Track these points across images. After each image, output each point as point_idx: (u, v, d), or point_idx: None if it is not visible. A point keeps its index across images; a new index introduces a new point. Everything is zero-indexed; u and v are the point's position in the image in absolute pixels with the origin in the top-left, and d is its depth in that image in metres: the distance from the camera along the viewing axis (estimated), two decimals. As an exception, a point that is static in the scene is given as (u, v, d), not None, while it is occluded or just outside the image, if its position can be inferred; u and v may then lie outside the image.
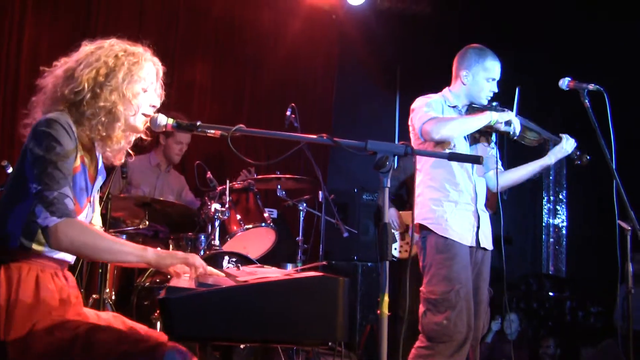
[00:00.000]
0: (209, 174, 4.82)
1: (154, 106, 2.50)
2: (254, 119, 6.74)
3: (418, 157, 4.00)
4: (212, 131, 2.41)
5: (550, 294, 7.15)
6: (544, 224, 8.47)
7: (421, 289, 3.75)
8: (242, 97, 6.89)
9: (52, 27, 5.67)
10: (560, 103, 6.83)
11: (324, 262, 3.03)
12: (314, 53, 7.31)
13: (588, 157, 3.97)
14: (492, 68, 3.87)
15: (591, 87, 3.57)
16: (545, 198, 8.49)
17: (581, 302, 6.99)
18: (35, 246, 2.26)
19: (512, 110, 3.81)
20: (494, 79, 3.88)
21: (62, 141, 2.21)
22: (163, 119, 2.44)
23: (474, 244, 3.81)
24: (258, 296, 1.88)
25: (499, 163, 4.02)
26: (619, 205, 3.48)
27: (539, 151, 4.02)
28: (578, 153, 3.96)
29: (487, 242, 3.90)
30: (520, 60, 7.03)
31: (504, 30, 6.87)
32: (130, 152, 2.59)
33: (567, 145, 3.89)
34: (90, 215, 2.48)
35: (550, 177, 8.46)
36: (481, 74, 3.87)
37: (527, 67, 6.79)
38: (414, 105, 3.88)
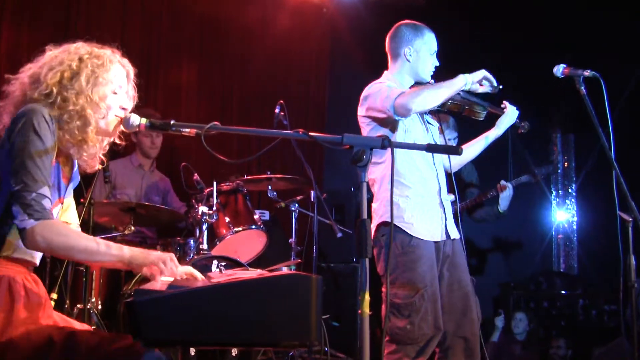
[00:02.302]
0: (195, 176, 4.85)
1: (124, 108, 2.54)
2: (244, 118, 6.76)
3: (379, 150, 3.90)
4: (187, 130, 2.43)
5: (562, 292, 7.13)
6: (553, 220, 8.47)
7: (383, 289, 3.58)
8: (231, 96, 6.92)
9: (31, 27, 5.69)
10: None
11: (299, 260, 3.05)
12: (304, 49, 7.32)
13: (528, 124, 4.07)
14: (431, 40, 3.89)
15: (587, 73, 3.57)
16: (554, 192, 8.50)
17: (594, 301, 6.97)
18: (4, 251, 2.32)
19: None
20: (435, 52, 3.90)
21: (43, 135, 2.27)
22: (136, 119, 2.47)
23: (443, 238, 3.77)
24: (228, 297, 1.91)
25: (453, 143, 4.04)
26: (619, 197, 3.48)
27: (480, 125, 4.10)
28: (520, 122, 4.05)
29: (454, 232, 3.85)
30: (517, 51, 7.07)
31: (500, 22, 6.90)
32: (103, 158, 2.62)
33: (512, 114, 3.99)
34: (59, 216, 2.51)
35: (559, 171, 8.45)
36: (424, 48, 3.86)
37: (521, 58, 6.83)
38: (367, 92, 3.84)
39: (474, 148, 4.09)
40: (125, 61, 2.59)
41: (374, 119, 3.79)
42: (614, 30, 6.71)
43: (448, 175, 3.97)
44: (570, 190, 8.41)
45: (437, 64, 3.93)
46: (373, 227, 3.76)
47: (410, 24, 3.95)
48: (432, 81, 3.91)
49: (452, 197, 4.02)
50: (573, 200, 8.41)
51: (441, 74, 3.94)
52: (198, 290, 1.92)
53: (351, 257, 6.22)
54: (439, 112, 4.02)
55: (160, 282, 2.25)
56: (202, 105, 6.64)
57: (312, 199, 5.24)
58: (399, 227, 3.66)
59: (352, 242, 6.03)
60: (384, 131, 3.74)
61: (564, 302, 7.01)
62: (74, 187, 2.61)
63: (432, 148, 2.38)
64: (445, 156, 4.00)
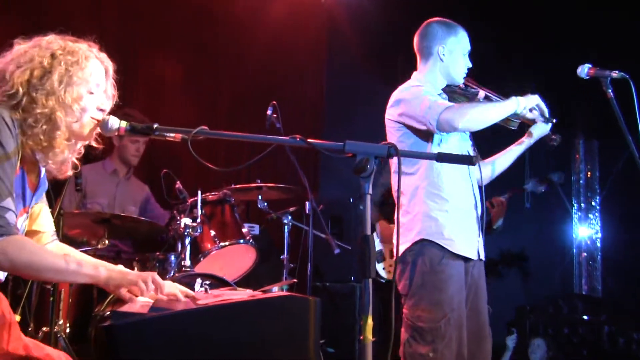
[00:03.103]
0: (178, 184, 4.84)
1: (102, 110, 2.55)
2: (235, 121, 6.78)
3: (410, 161, 3.95)
4: (172, 134, 2.45)
5: (584, 317, 7.13)
6: (574, 236, 8.49)
7: (404, 311, 3.69)
8: (220, 96, 6.94)
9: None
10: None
11: (294, 280, 3.06)
12: (300, 43, 7.34)
13: (560, 137, 4.05)
14: (465, 40, 3.94)
15: (615, 74, 3.60)
16: (576, 206, 8.52)
17: (621, 327, 6.96)
18: None
19: None
20: (469, 53, 3.95)
21: (5, 144, 2.26)
22: (115, 122, 2.48)
23: (475, 257, 3.81)
24: (217, 320, 1.92)
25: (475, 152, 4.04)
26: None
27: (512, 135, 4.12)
28: (552, 134, 4.03)
29: (482, 252, 3.90)
30: (537, 50, 7.12)
31: (520, 20, 6.94)
32: (77, 162, 2.63)
33: (546, 124, 3.97)
34: (25, 227, 2.52)
35: (581, 182, 8.48)
36: (457, 48, 3.91)
37: (542, 57, 6.87)
38: (402, 95, 3.84)
39: (504, 159, 4.11)
40: (104, 56, 2.60)
41: (408, 126, 3.81)
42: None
43: (480, 188, 3.99)
44: (593, 202, 8.44)
45: (470, 65, 3.96)
46: (404, 243, 3.77)
47: (442, 21, 3.98)
48: (462, 84, 3.96)
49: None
50: (597, 214, 8.43)
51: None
52: (184, 313, 1.93)
53: (349, 276, 6.25)
54: None
55: (140, 304, 2.26)
56: (187, 105, 6.65)
57: (307, 211, 5.25)
58: (436, 244, 3.69)
59: (351, 258, 6.06)
60: (415, 139, 3.78)
61: (587, 329, 7.00)
62: (42, 193, 2.61)
63: (442, 158, 2.39)
64: (476, 168, 3.97)
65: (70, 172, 2.61)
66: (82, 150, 2.64)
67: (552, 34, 7.16)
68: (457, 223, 3.75)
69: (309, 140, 2.34)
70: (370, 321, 2.20)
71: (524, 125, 4.03)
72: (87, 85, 2.49)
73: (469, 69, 3.98)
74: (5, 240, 2.19)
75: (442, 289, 3.64)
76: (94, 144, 2.62)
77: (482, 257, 3.87)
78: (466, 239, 3.76)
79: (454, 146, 3.83)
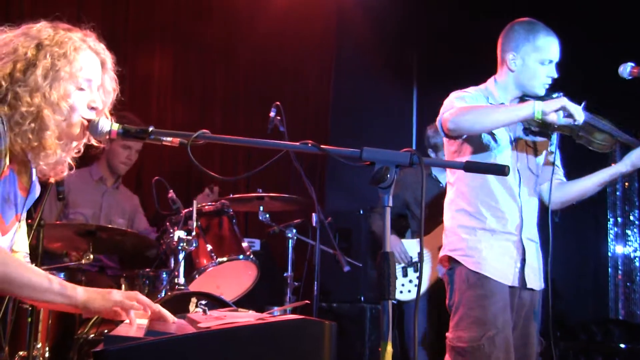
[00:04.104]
0: (171, 193, 4.85)
1: (94, 108, 2.53)
2: (229, 123, 6.81)
3: (450, 170, 4.07)
4: (169, 139, 2.46)
5: (621, 345, 7.12)
6: (609, 254, 8.48)
7: (447, 334, 3.82)
8: (213, 96, 6.97)
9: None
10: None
11: (307, 301, 3.06)
12: (304, 37, 7.37)
13: None
14: (546, 46, 3.87)
15: (662, 74, 3.63)
16: (612, 220, 8.51)
17: (663, 356, 6.97)
18: None
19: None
20: (550, 61, 3.88)
21: None
22: (106, 124, 2.48)
23: (516, 284, 3.85)
24: (222, 346, 1.93)
25: (561, 172, 4.07)
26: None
27: (604, 157, 4.07)
28: None
29: (535, 281, 3.93)
30: (573, 47, 7.11)
31: (555, 15, 6.94)
32: (72, 163, 2.62)
33: None
34: (14, 238, 2.52)
35: (617, 193, 8.47)
36: (533, 56, 3.87)
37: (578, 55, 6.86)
38: (445, 102, 3.91)
39: (584, 184, 4.04)
40: (101, 47, 2.59)
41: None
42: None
43: (546, 210, 4.03)
44: (631, 217, 8.43)
45: (555, 75, 3.91)
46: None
47: (525, 22, 3.96)
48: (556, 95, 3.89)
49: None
50: (635, 229, 8.42)
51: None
52: (185, 337, 1.94)
53: (358, 296, 6.24)
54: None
55: (134, 326, 2.27)
56: (177, 105, 6.68)
57: (314, 224, 5.26)
58: (464, 262, 3.82)
59: (360, 277, 6.06)
60: (473, 150, 3.87)
61: (624, 358, 7.00)
62: (34, 199, 2.60)
63: (470, 167, 2.41)
64: (545, 186, 4.03)
65: (65, 172, 2.60)
66: (82, 149, 2.62)
67: (588, 28, 7.16)
68: (488, 244, 3.84)
69: (322, 146, 2.34)
70: (389, 348, 2.21)
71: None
72: (76, 80, 2.46)
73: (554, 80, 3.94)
74: None
75: (483, 306, 3.74)
76: (94, 142, 2.60)
77: (532, 286, 3.90)
78: (498, 263, 3.82)
79: (506, 157, 3.90)
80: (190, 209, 4.63)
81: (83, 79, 2.49)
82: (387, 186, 2.27)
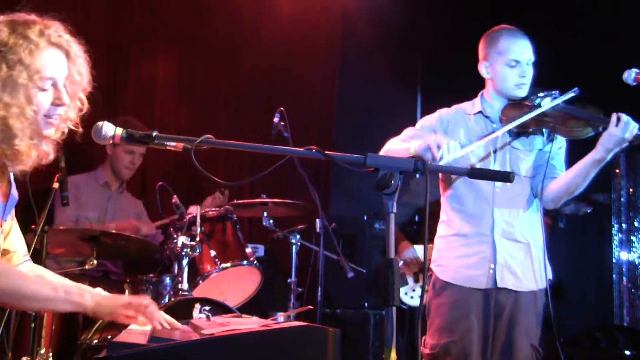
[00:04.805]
0: (175, 199, 4.85)
1: (60, 104, 2.48)
2: (233, 128, 6.80)
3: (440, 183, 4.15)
4: (173, 143, 2.45)
5: (626, 352, 7.09)
6: (614, 261, 8.45)
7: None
8: (217, 100, 6.96)
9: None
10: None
11: (310, 307, 3.05)
12: (309, 41, 7.35)
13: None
14: (507, 48, 3.94)
15: (667, 81, 3.62)
16: (616, 226, 8.49)
17: (669, 363, 6.94)
18: None
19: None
20: (517, 61, 3.93)
21: None
22: (109, 129, 2.45)
23: (489, 286, 3.89)
24: (225, 352, 1.92)
25: (559, 171, 4.03)
26: None
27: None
28: None
29: (514, 281, 3.91)
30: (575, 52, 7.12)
31: (552, 19, 6.95)
32: (59, 142, 2.56)
33: (618, 129, 3.67)
34: (1, 243, 2.51)
35: (622, 199, 8.45)
36: (499, 60, 3.96)
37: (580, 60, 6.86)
38: None
39: (565, 177, 3.96)
40: (63, 39, 2.49)
41: None
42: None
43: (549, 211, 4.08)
44: (636, 223, 8.41)
45: (527, 74, 3.95)
46: None
47: (491, 31, 4.07)
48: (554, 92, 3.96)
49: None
50: (640, 235, 8.41)
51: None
52: (189, 344, 1.94)
53: (362, 302, 6.23)
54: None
55: (137, 332, 2.27)
56: (181, 108, 6.67)
57: (318, 230, 5.25)
58: (434, 270, 3.99)
59: (364, 283, 6.05)
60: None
61: (629, 365, 6.98)
62: (13, 204, 2.57)
63: (475, 173, 2.40)
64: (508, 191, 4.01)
65: (51, 157, 2.53)
66: (65, 130, 2.56)
67: (594, 36, 7.16)
68: (453, 249, 3.98)
69: (327, 152, 2.34)
70: (393, 355, 2.20)
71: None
72: (37, 82, 2.39)
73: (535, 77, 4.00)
74: None
75: (442, 313, 3.88)
76: (72, 127, 2.56)
77: (508, 285, 3.90)
78: (471, 267, 3.90)
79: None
80: (194, 214, 4.64)
81: (44, 80, 2.42)
82: (392, 192, 2.26)
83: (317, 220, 5.29)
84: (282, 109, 4.97)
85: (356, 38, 7.58)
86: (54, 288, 2.29)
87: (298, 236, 5.43)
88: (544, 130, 3.99)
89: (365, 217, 6.48)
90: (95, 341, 4.23)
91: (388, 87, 7.80)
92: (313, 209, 5.19)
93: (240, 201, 5.27)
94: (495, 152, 3.99)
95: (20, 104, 2.34)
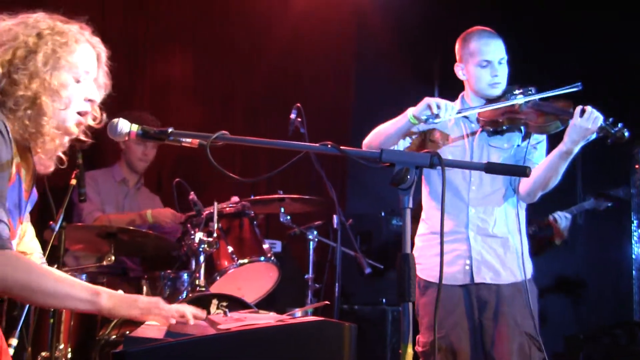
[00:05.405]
0: (192, 195, 4.86)
1: (91, 100, 2.52)
2: (249, 125, 6.80)
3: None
4: (188, 140, 2.45)
5: (646, 348, 7.06)
6: (633, 257, 8.40)
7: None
8: (233, 98, 6.95)
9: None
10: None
11: (326, 302, 3.06)
12: (325, 40, 7.32)
13: (625, 132, 3.78)
14: (477, 49, 4.05)
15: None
16: (635, 222, 8.44)
17: (690, 360, 6.89)
18: None
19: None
20: (487, 61, 4.02)
21: None
22: (125, 125, 2.46)
23: (467, 281, 3.97)
24: (242, 347, 1.93)
25: (535, 163, 4.02)
26: None
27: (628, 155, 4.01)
28: (608, 127, 3.77)
29: (492, 275, 3.99)
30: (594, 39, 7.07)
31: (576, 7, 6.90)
32: (63, 157, 2.58)
33: (582, 119, 3.72)
34: (16, 243, 2.50)
35: (641, 195, 8.39)
36: (470, 61, 4.08)
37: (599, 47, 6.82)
38: None
39: (537, 170, 3.96)
40: (96, 40, 2.57)
41: None
42: None
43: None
44: (656, 218, 8.35)
45: (499, 73, 4.03)
46: None
47: (464, 34, 4.18)
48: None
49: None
50: (659, 231, 8.34)
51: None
52: (205, 339, 1.94)
53: (379, 298, 6.22)
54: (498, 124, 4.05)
55: (154, 328, 2.27)
56: (197, 106, 6.66)
57: (335, 226, 5.26)
58: (417, 271, 3.95)
59: (381, 279, 6.04)
60: None
61: (650, 361, 6.94)
62: (32, 204, 2.57)
63: (491, 168, 2.39)
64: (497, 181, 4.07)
65: (52, 168, 2.56)
66: (67, 145, 2.55)
67: (605, 23, 7.11)
68: (431, 247, 4.04)
69: (342, 148, 2.33)
70: (410, 350, 2.20)
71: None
72: (75, 71, 2.45)
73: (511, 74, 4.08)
74: None
75: (429, 312, 3.97)
76: (82, 137, 2.57)
77: (485, 280, 3.97)
78: (449, 264, 3.95)
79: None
80: (211, 210, 4.64)
81: (82, 70, 2.48)
82: (407, 187, 2.26)
83: (334, 217, 5.29)
84: (298, 105, 4.97)
85: (372, 35, 7.57)
86: (72, 286, 2.28)
87: (315, 232, 5.43)
88: (521, 127, 4.03)
89: (382, 214, 6.47)
90: (114, 336, 4.25)
91: (404, 84, 7.77)
92: (330, 205, 5.20)
93: (257, 197, 5.26)
94: (472, 149, 4.06)
95: (58, 84, 2.38)
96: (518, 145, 4.07)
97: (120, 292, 2.44)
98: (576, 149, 3.77)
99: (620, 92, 6.89)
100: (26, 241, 2.62)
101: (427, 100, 3.85)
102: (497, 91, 4.03)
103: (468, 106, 4.11)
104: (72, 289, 2.27)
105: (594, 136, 3.77)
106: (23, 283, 2.19)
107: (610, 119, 3.79)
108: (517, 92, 4.00)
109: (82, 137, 2.58)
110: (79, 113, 2.48)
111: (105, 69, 2.60)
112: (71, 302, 2.29)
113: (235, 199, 5.26)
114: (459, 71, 4.14)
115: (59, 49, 2.40)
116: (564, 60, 6.90)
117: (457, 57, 4.16)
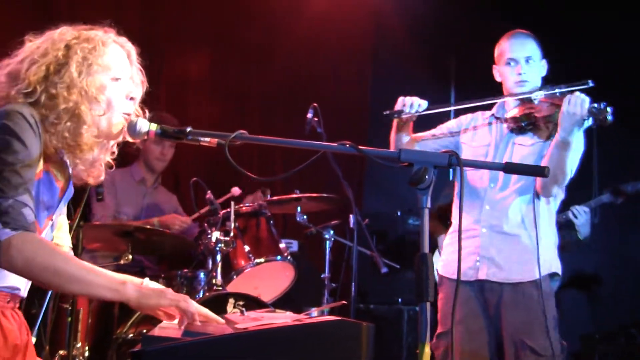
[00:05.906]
0: (209, 194, 4.87)
1: (132, 98, 2.54)
2: (266, 124, 6.80)
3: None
4: (207, 139, 2.45)
5: (663, 348, 7.03)
6: (650, 254, 8.35)
7: None
8: (250, 97, 6.96)
9: (4, 8, 5.69)
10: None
11: (343, 302, 3.06)
12: (342, 39, 7.32)
13: (609, 115, 3.74)
14: (504, 49, 4.17)
15: None
16: (653, 217, 8.38)
17: None
18: None
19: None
20: (512, 59, 4.12)
21: (26, 141, 2.25)
22: (144, 125, 2.47)
23: (475, 278, 4.03)
24: (259, 347, 1.92)
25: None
26: None
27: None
28: (598, 110, 3.73)
29: (497, 273, 4.01)
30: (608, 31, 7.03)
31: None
32: (112, 162, 2.63)
33: (570, 105, 3.74)
34: (50, 238, 2.52)
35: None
36: (501, 62, 4.19)
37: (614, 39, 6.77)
38: None
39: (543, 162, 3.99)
40: (123, 40, 2.59)
41: None
42: None
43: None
44: (673, 215, 8.29)
45: (522, 71, 4.08)
46: None
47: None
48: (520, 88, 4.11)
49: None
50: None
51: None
52: (222, 338, 1.93)
53: (395, 298, 6.21)
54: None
55: (172, 327, 2.26)
56: (214, 105, 6.67)
57: (352, 225, 5.25)
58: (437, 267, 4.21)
59: (398, 278, 6.03)
60: None
61: (667, 361, 6.90)
62: (69, 198, 2.59)
63: (510, 168, 2.37)
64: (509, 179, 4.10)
65: (102, 177, 2.61)
66: (116, 150, 2.62)
67: (605, 23, 7.07)
68: (452, 244, 4.20)
69: (360, 147, 2.32)
70: (427, 350, 2.18)
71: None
72: (110, 71, 2.48)
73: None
74: (21, 236, 2.15)
75: (439, 308, 4.13)
76: (129, 139, 2.57)
77: (489, 277, 4.01)
78: (464, 261, 4.03)
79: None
80: (228, 209, 4.65)
81: (117, 69, 2.51)
82: (426, 187, 2.24)
83: (351, 216, 5.29)
84: (315, 104, 4.96)
85: (389, 34, 7.56)
86: (95, 273, 2.26)
87: (332, 232, 5.43)
88: (548, 124, 4.03)
89: (399, 213, 6.46)
90: (131, 335, 4.26)
91: (421, 83, 7.73)
92: (347, 205, 5.19)
93: (274, 198, 5.26)
94: (497, 148, 4.13)
95: (96, 90, 2.42)
96: (544, 142, 4.04)
97: (147, 279, 2.45)
98: (571, 138, 3.78)
99: (620, 92, 6.84)
100: (60, 235, 2.64)
101: (400, 98, 4.27)
102: (524, 89, 4.06)
103: (502, 106, 4.19)
104: (97, 276, 2.26)
105: (589, 122, 3.79)
106: (46, 265, 2.18)
107: (603, 104, 3.74)
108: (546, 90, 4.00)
109: (129, 139, 2.57)
110: (124, 114, 2.50)
111: (138, 66, 2.62)
112: (95, 289, 2.26)
113: (235, 189, 5.26)
114: (495, 73, 4.24)
115: (89, 55, 2.43)
116: (564, 60, 6.87)
117: (494, 62, 4.26)
